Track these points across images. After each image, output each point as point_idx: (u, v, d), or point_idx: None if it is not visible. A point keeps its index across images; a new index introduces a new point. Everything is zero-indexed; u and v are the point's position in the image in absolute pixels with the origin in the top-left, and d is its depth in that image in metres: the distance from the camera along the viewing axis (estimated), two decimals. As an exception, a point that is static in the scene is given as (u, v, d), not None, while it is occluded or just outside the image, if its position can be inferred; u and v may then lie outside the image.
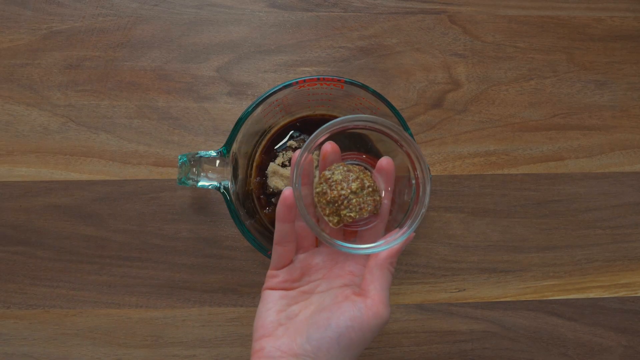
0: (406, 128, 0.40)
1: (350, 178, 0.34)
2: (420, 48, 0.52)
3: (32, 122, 0.49)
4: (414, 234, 0.34)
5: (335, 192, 0.34)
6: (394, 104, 0.41)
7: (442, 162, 0.50)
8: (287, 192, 0.33)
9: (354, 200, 0.34)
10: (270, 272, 0.36)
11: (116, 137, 0.49)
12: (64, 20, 0.50)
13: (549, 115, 0.52)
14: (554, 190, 0.51)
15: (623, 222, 0.51)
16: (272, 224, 0.46)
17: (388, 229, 0.37)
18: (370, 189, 0.35)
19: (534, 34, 0.53)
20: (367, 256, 0.35)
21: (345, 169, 0.35)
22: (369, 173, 0.36)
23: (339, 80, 0.40)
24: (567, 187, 0.51)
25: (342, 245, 0.33)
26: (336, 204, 0.34)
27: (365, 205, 0.34)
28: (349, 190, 0.34)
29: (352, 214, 0.34)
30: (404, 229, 0.34)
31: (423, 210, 0.34)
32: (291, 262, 0.36)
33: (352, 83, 0.40)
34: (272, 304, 0.34)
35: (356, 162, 0.43)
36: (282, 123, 0.47)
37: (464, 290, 0.49)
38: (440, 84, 0.51)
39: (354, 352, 0.31)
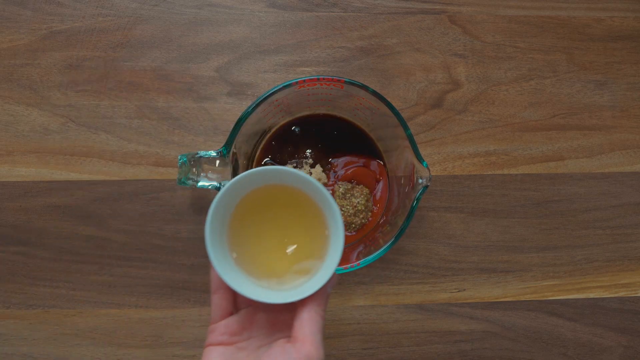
0: (406, 128, 0.40)
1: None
2: (420, 48, 0.52)
3: (32, 122, 0.49)
4: (336, 276, 0.34)
5: None
6: (394, 104, 0.41)
7: (442, 162, 0.50)
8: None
9: None
10: (210, 327, 0.34)
11: (116, 137, 0.49)
12: (64, 20, 0.50)
13: (549, 115, 0.52)
14: (553, 190, 0.51)
15: (623, 222, 0.51)
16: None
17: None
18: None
19: (534, 34, 0.53)
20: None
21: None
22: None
23: (339, 81, 0.40)
24: (567, 187, 0.51)
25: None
26: None
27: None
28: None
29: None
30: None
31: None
32: (230, 314, 0.34)
33: (352, 83, 0.40)
34: None
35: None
36: (282, 123, 0.47)
37: (464, 290, 0.49)
38: (440, 84, 0.51)
39: None
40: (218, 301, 0.34)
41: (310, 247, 0.34)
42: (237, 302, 0.35)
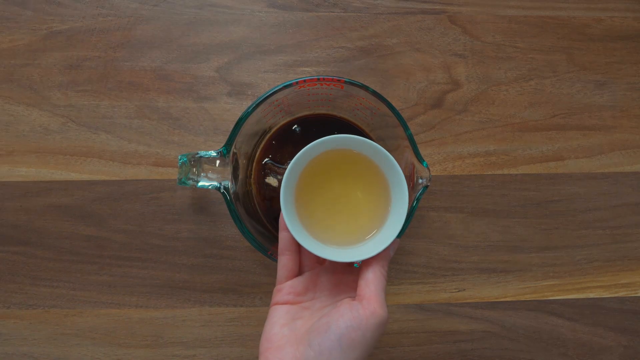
0: (406, 128, 0.40)
1: None
2: (420, 48, 0.52)
3: (32, 122, 0.49)
4: (398, 241, 0.36)
5: None
6: (394, 104, 0.41)
7: (442, 162, 0.50)
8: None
9: None
10: (276, 287, 0.36)
11: (116, 137, 0.49)
12: (64, 20, 0.50)
13: (548, 116, 0.52)
14: (553, 190, 0.51)
15: (623, 222, 0.51)
16: (272, 223, 0.46)
17: None
18: None
19: (534, 34, 0.53)
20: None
21: None
22: None
23: (339, 81, 0.40)
24: (567, 187, 0.51)
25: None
26: None
27: None
28: None
29: None
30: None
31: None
32: (295, 275, 0.36)
33: (352, 83, 0.40)
34: (276, 318, 0.34)
35: None
36: (282, 123, 0.47)
37: (464, 290, 0.49)
38: (440, 84, 0.51)
39: (357, 354, 0.31)
40: (285, 262, 0.36)
41: (374, 211, 0.36)
42: (302, 265, 0.37)
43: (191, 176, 0.41)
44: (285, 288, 0.36)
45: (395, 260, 0.49)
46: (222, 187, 0.40)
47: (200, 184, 0.41)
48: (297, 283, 0.36)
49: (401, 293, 0.49)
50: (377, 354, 0.48)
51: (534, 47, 0.53)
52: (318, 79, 0.40)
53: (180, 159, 0.40)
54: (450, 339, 0.49)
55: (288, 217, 0.34)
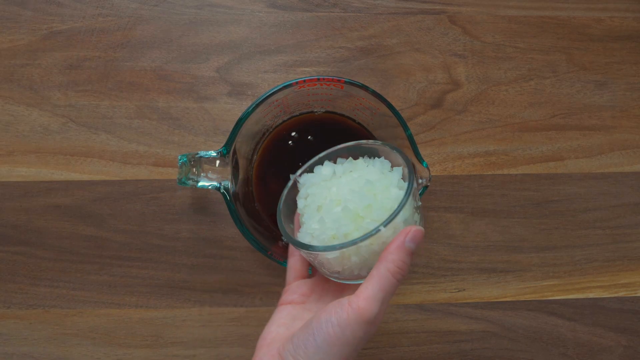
0: (406, 128, 0.40)
1: None
2: (420, 48, 0.52)
3: (33, 122, 0.49)
4: (420, 232, 0.31)
5: None
6: (394, 104, 0.41)
7: (442, 162, 0.50)
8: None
9: None
10: (284, 289, 0.36)
11: (116, 137, 0.49)
12: (64, 20, 0.50)
13: (548, 116, 0.52)
14: (553, 190, 0.51)
15: (623, 222, 0.51)
16: (272, 224, 0.46)
17: None
18: None
19: (534, 34, 0.53)
20: None
21: None
22: None
23: (339, 81, 0.40)
24: (567, 187, 0.51)
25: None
26: None
27: None
28: None
29: None
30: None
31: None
32: (304, 277, 0.36)
33: (352, 83, 0.40)
34: (277, 317, 0.34)
35: None
36: (282, 123, 0.47)
37: (464, 290, 0.49)
38: (440, 84, 0.51)
39: (335, 350, 0.29)
40: (293, 264, 0.36)
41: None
42: (314, 269, 0.37)
43: (191, 176, 0.41)
44: (292, 288, 0.36)
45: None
46: (222, 187, 0.40)
47: (200, 184, 0.41)
48: (302, 284, 0.36)
49: (401, 293, 0.49)
50: (376, 354, 0.48)
51: (534, 47, 0.53)
52: (318, 79, 0.40)
53: (180, 159, 0.40)
54: (450, 339, 0.49)
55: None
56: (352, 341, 0.29)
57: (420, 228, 0.31)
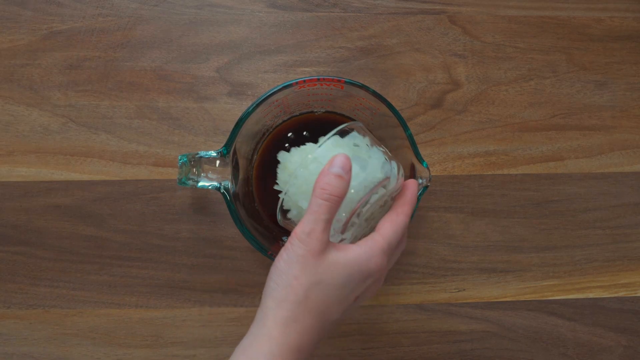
0: (406, 128, 0.40)
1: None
2: (420, 48, 0.52)
3: (33, 122, 0.49)
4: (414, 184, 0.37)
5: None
6: (394, 104, 0.41)
7: (442, 162, 0.50)
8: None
9: None
10: None
11: (116, 137, 0.49)
12: (64, 20, 0.50)
13: (548, 116, 0.52)
14: (553, 190, 0.51)
15: (623, 222, 0.51)
16: (272, 224, 0.46)
17: None
18: None
19: (534, 34, 0.53)
20: None
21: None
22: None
23: (339, 81, 0.40)
24: (567, 187, 0.51)
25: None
26: None
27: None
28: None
29: None
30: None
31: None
32: None
33: (352, 83, 0.40)
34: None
35: None
36: (282, 123, 0.47)
37: (464, 290, 0.50)
38: (440, 84, 0.51)
39: (304, 279, 0.32)
40: None
41: None
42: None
43: (191, 176, 0.41)
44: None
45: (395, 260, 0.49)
46: (222, 187, 0.40)
47: (200, 184, 0.41)
48: None
49: (401, 293, 0.49)
50: (376, 354, 0.48)
51: (534, 47, 0.53)
52: (318, 79, 0.40)
53: (180, 159, 0.40)
54: (450, 339, 0.49)
55: None
56: (305, 267, 0.32)
57: (342, 153, 0.34)
